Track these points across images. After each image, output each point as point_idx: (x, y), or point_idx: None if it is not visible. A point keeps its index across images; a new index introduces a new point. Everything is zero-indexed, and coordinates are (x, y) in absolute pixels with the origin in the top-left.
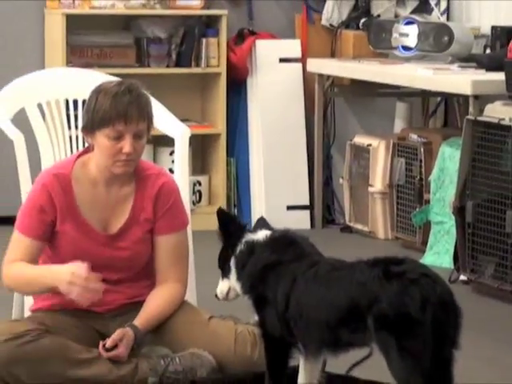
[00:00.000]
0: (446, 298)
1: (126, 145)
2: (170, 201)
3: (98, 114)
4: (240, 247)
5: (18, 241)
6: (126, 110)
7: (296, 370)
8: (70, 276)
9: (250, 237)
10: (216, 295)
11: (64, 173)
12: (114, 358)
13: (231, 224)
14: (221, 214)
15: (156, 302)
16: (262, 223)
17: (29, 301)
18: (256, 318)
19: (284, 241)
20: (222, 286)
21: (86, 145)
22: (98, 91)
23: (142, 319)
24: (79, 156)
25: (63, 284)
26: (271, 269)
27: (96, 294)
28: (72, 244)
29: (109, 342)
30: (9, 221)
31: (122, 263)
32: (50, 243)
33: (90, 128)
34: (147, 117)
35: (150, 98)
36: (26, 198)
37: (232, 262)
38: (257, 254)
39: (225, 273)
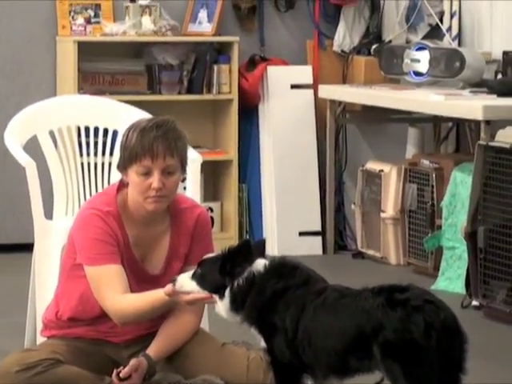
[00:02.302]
0: (450, 323)
1: (155, 181)
2: (204, 231)
3: (127, 151)
4: (238, 281)
5: (107, 274)
6: (151, 145)
7: None
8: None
9: (248, 269)
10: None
11: (114, 210)
12: None
13: (244, 258)
14: (246, 245)
15: (171, 332)
16: (258, 249)
17: (39, 326)
18: (263, 344)
19: (287, 266)
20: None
21: (98, 171)
22: (130, 127)
23: (156, 348)
24: (117, 191)
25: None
26: (280, 295)
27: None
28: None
29: (123, 372)
30: (20, 248)
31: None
32: None
33: (122, 165)
34: (176, 153)
35: (183, 133)
36: (80, 235)
37: (227, 293)
38: (260, 284)
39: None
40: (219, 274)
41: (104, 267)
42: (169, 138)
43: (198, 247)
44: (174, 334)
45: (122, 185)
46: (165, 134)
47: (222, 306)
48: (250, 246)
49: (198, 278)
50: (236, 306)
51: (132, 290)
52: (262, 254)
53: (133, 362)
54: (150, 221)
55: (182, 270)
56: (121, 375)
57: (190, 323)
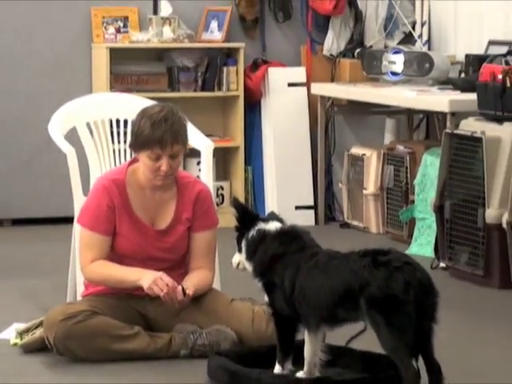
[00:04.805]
0: (425, 281)
1: (163, 164)
2: (205, 204)
3: (139, 139)
4: (252, 233)
5: (91, 239)
6: (162, 138)
7: (302, 343)
8: (156, 278)
9: (263, 226)
10: (231, 263)
11: (120, 178)
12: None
13: (244, 211)
14: (235, 202)
15: (196, 280)
16: (274, 216)
17: (80, 288)
18: (266, 299)
19: (290, 235)
20: (235, 258)
21: (128, 156)
22: (142, 116)
23: (191, 284)
24: (130, 164)
25: (147, 282)
26: (278, 259)
27: (171, 299)
28: (127, 239)
29: (191, 290)
30: (63, 220)
31: (165, 255)
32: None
33: (133, 147)
34: (181, 140)
35: (184, 120)
36: (88, 200)
37: (243, 244)
38: (267, 243)
39: (239, 248)
40: (238, 234)
41: (93, 234)
42: (175, 129)
43: (202, 218)
44: (198, 282)
45: (135, 159)
46: (172, 125)
47: (242, 255)
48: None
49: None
50: (249, 255)
51: (142, 247)
52: (280, 220)
53: (184, 284)
54: (158, 189)
55: (184, 234)
56: (187, 291)
57: (208, 276)
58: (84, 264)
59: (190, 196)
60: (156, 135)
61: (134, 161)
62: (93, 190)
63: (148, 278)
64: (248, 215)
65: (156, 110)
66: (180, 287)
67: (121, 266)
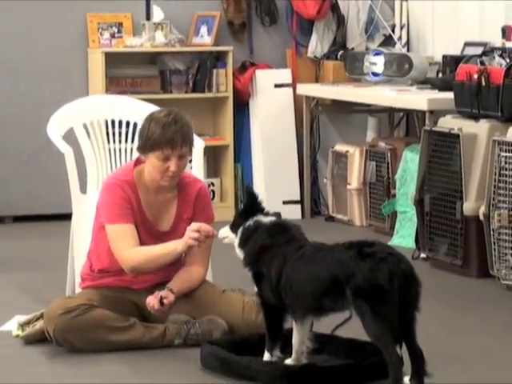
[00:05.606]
0: (408, 272)
1: (172, 165)
2: (205, 200)
3: (150, 141)
4: (250, 222)
5: (118, 231)
6: (172, 138)
7: (290, 331)
8: (187, 235)
9: (260, 218)
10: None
11: (130, 180)
12: (160, 311)
13: (253, 201)
14: (247, 189)
15: (185, 277)
16: (277, 215)
17: (78, 280)
18: (255, 289)
19: (280, 227)
20: (224, 233)
21: (123, 155)
22: (150, 120)
23: (175, 286)
24: (135, 165)
25: (184, 241)
26: (266, 250)
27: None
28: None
29: (168, 300)
30: (61, 217)
31: None
32: None
33: (143, 149)
34: (189, 141)
35: (191, 123)
36: (102, 200)
37: (240, 231)
38: (258, 234)
39: (232, 227)
40: (239, 217)
41: (119, 225)
42: (184, 131)
43: (201, 214)
44: (187, 279)
45: (139, 161)
46: (182, 127)
47: (236, 241)
48: (255, 196)
49: (232, 224)
50: (242, 243)
51: (145, 244)
52: (278, 216)
53: (163, 293)
54: (161, 190)
55: (184, 233)
56: (164, 301)
57: (198, 273)
58: (122, 257)
59: (192, 195)
60: (167, 136)
61: (137, 163)
62: (105, 190)
63: (182, 241)
64: (254, 205)
65: (164, 113)
66: (159, 296)
67: (153, 246)
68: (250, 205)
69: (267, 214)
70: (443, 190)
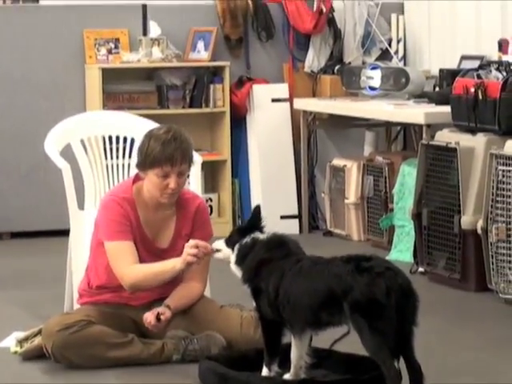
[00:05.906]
0: (405, 286)
1: (172, 182)
2: (203, 217)
3: (149, 158)
4: (246, 240)
5: (120, 248)
6: (172, 155)
7: (289, 346)
8: (185, 252)
9: (257, 235)
10: (212, 247)
11: (129, 197)
12: (157, 327)
13: (256, 220)
14: (256, 210)
15: (183, 293)
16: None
17: (76, 296)
18: (254, 304)
19: (277, 242)
20: (219, 246)
21: (120, 172)
22: (150, 137)
23: (172, 303)
24: (133, 182)
25: (183, 259)
26: (264, 264)
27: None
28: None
29: (165, 317)
30: (59, 233)
31: None
32: None
33: (142, 167)
34: (188, 158)
35: (190, 140)
36: (101, 217)
37: (236, 247)
38: (255, 250)
39: (228, 243)
40: (236, 233)
41: (118, 242)
42: (184, 147)
43: (199, 230)
44: (185, 295)
45: (138, 178)
46: (181, 144)
47: (232, 258)
48: (260, 212)
49: (227, 239)
50: (239, 260)
51: (144, 261)
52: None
53: (160, 309)
54: (160, 207)
55: (183, 249)
56: (161, 317)
57: (196, 289)
58: (121, 274)
59: (191, 211)
60: (167, 153)
61: (136, 179)
62: (104, 207)
63: (181, 258)
64: (255, 224)
65: (164, 130)
66: (156, 312)
67: (152, 263)
68: (251, 224)
69: (264, 232)
70: (441, 204)
